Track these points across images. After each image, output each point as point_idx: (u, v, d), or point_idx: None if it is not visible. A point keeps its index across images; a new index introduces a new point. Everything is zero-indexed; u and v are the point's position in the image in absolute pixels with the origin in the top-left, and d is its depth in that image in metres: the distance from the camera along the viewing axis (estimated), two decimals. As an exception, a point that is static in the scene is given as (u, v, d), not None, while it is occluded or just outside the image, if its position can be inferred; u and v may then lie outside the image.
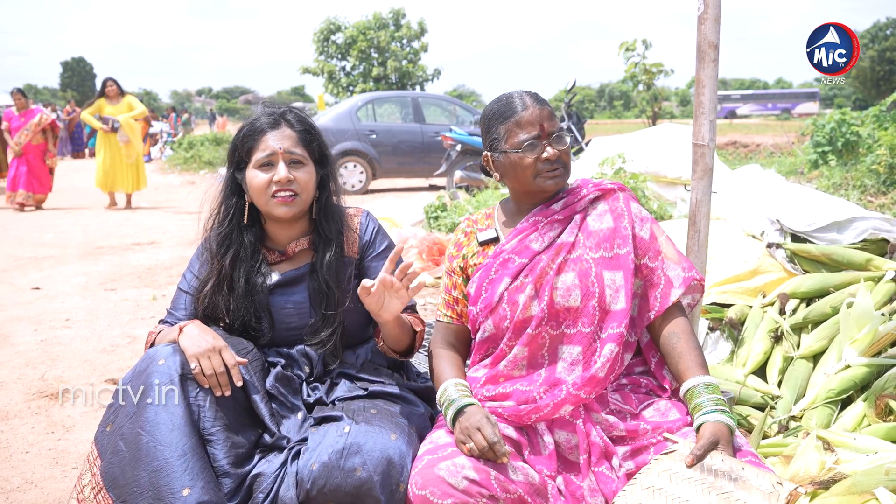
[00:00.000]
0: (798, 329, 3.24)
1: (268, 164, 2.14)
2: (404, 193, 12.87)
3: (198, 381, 1.95)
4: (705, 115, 2.36)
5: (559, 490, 1.92)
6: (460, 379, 2.07)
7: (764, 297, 3.45)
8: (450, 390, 2.02)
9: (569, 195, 2.12)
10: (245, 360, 2.04)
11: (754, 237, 3.73)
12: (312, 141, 2.22)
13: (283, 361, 2.17)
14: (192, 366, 1.95)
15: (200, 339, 1.99)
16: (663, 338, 2.03)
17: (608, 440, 1.95)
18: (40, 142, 11.74)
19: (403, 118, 14.69)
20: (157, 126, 24.73)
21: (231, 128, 28.46)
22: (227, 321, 2.19)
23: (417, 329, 2.20)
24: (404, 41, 34.36)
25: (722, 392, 2.01)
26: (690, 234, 2.44)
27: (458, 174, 10.34)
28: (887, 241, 3.55)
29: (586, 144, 11.69)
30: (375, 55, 33.87)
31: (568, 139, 2.06)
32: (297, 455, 1.94)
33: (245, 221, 2.21)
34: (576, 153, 10.97)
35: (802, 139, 9.85)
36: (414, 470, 1.87)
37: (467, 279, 2.17)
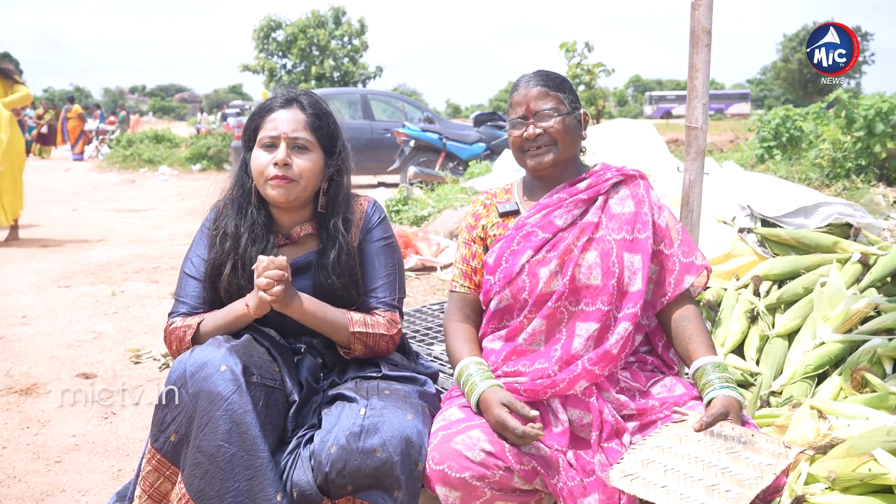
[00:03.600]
0: (772, 309, 3.36)
1: (270, 146, 2.09)
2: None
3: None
4: (699, 98, 2.43)
5: (570, 463, 1.96)
6: (479, 357, 2.09)
7: (738, 279, 3.57)
8: (471, 368, 2.03)
9: (592, 176, 2.16)
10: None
11: (725, 223, 3.85)
12: (322, 128, 2.13)
13: (303, 347, 2.14)
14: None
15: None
16: (673, 321, 2.09)
17: (619, 418, 2.00)
18: None
19: (352, 115, 14.56)
20: (92, 123, 24.01)
21: (144, 127, 27.64)
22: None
23: (353, 329, 2.08)
24: (345, 39, 34.11)
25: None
26: (683, 215, 2.51)
27: (411, 170, 10.34)
28: (850, 226, 3.72)
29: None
30: (316, 53, 33.54)
31: (558, 117, 2.08)
32: (310, 439, 1.92)
33: (254, 202, 2.15)
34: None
35: (746, 135, 10.15)
36: (430, 446, 1.88)
37: (486, 249, 2.19)
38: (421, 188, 9.32)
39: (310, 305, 2.06)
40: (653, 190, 2.19)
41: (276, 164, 2.06)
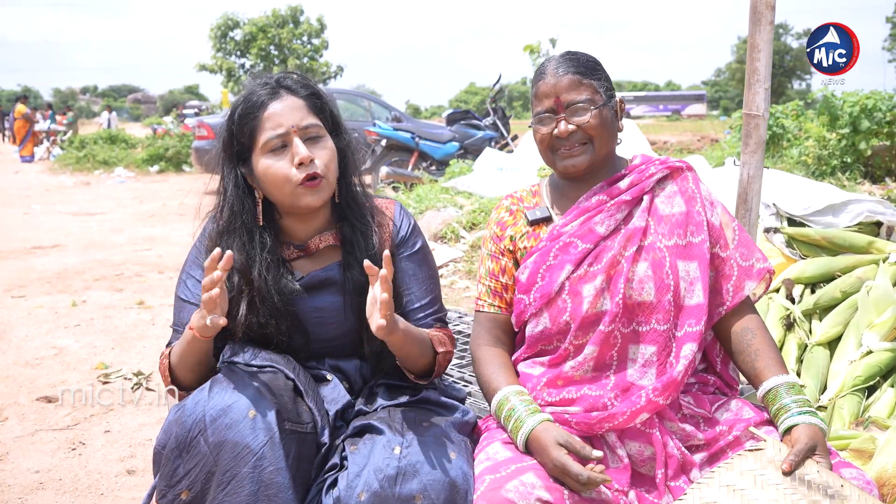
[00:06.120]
0: (807, 315, 3.12)
1: (281, 147, 1.74)
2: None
3: None
4: (760, 82, 2.16)
5: None
6: (519, 385, 1.81)
7: (767, 283, 3.32)
8: (512, 400, 1.74)
9: (633, 172, 1.87)
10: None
11: (747, 222, 3.61)
12: (324, 106, 1.83)
13: (327, 373, 1.81)
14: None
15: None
16: (734, 334, 1.82)
17: (685, 451, 1.73)
18: None
19: (317, 114, 14.11)
20: (42, 124, 23.08)
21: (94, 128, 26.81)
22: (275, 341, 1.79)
23: (439, 350, 1.81)
24: (304, 38, 33.66)
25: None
26: (741, 213, 2.25)
27: (383, 170, 9.97)
28: (878, 224, 3.51)
29: (513, 140, 11.61)
30: (275, 52, 33.01)
31: (594, 110, 1.78)
32: (333, 482, 1.61)
33: (261, 223, 1.80)
34: (502, 149, 10.87)
35: (707, 135, 10.03)
36: (476, 493, 1.59)
37: (517, 263, 1.90)
38: (395, 189, 8.99)
39: (404, 326, 1.71)
40: (703, 183, 1.90)
41: (301, 164, 1.72)
